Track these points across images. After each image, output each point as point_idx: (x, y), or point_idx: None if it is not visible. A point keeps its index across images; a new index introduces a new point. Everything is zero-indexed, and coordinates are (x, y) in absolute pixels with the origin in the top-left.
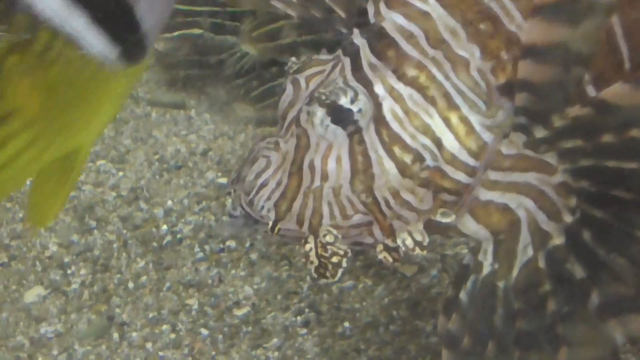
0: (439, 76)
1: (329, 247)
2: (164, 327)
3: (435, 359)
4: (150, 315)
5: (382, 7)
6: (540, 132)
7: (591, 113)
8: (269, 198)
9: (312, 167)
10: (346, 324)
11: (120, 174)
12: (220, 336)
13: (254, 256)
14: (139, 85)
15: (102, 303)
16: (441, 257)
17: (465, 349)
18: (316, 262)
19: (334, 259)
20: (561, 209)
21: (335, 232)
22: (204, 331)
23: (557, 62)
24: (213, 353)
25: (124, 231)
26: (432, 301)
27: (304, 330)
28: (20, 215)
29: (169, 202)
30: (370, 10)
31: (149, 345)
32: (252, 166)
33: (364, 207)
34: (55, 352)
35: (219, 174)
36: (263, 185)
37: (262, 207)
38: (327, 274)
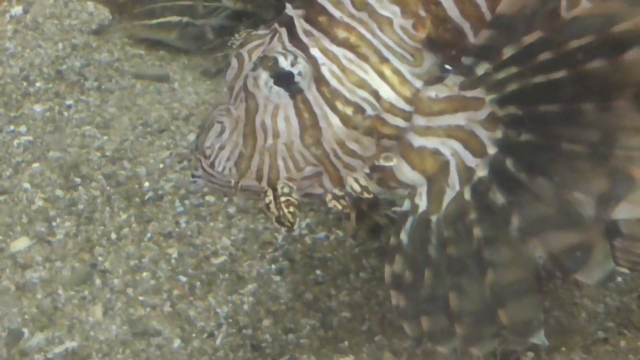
0: (367, 35)
1: (286, 198)
2: (145, 274)
3: None
4: (132, 263)
5: None
6: (482, 69)
7: (544, 35)
8: (228, 159)
9: (264, 127)
10: (318, 272)
11: (105, 137)
12: (198, 283)
13: (232, 210)
14: (125, 60)
15: (85, 252)
16: None
17: (407, 283)
18: (276, 213)
19: (291, 209)
20: (487, 143)
21: (290, 184)
22: (183, 278)
23: None
24: (191, 298)
25: (108, 188)
26: None
27: (278, 278)
28: (8, 172)
29: (152, 162)
30: None
31: (129, 290)
32: (208, 132)
33: (314, 159)
34: (39, 296)
35: None
36: (221, 148)
37: (224, 168)
38: (287, 222)
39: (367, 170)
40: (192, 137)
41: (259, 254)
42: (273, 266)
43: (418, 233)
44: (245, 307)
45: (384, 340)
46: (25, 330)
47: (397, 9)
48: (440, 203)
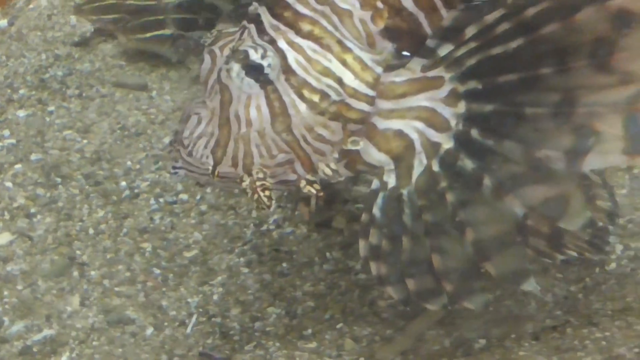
0: (330, 27)
1: (261, 182)
2: (120, 266)
3: (363, 293)
4: (108, 256)
5: None
6: (445, 50)
7: (506, 11)
8: (205, 147)
9: (237, 116)
10: (284, 264)
11: (85, 141)
12: (171, 275)
13: (203, 207)
14: (106, 69)
15: (64, 246)
16: None
17: (385, 251)
18: (255, 197)
19: (267, 192)
20: (450, 118)
21: (264, 169)
22: (157, 270)
23: None
24: (164, 289)
25: (87, 187)
26: None
27: (247, 270)
28: None
29: (129, 163)
30: None
31: (106, 281)
32: (186, 124)
33: (286, 145)
34: (19, 287)
35: None
36: (199, 137)
37: (202, 156)
38: (263, 205)
39: (336, 155)
40: (167, 139)
41: (229, 247)
42: (242, 259)
43: (391, 206)
44: (215, 297)
45: (345, 328)
46: (6, 319)
47: (356, 2)
48: (410, 178)
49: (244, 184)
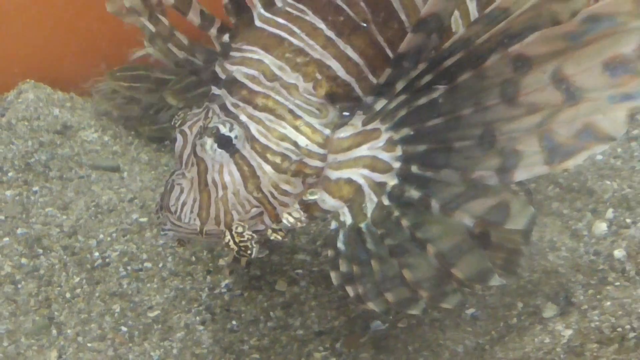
0: (281, 99)
1: (240, 235)
2: (92, 325)
3: (301, 346)
4: (82, 316)
5: (227, 65)
6: (379, 104)
7: (427, 65)
8: (191, 211)
9: (214, 182)
10: (234, 322)
11: (64, 216)
12: (137, 332)
13: (165, 273)
14: (83, 154)
15: (44, 308)
16: (309, 272)
17: (357, 275)
18: (236, 248)
19: (247, 243)
20: (390, 161)
21: (242, 224)
22: (124, 328)
23: (430, 30)
24: (130, 345)
25: (65, 257)
26: (301, 304)
27: (202, 327)
28: None
29: (101, 235)
30: (219, 70)
31: (80, 338)
32: (170, 194)
33: (257, 201)
34: (5, 344)
35: (141, 214)
36: (184, 204)
37: (189, 219)
38: (245, 254)
39: (297, 206)
40: (135, 215)
41: (186, 308)
42: (197, 318)
43: (353, 239)
44: (174, 351)
45: None
46: None
47: (299, 76)
48: (365, 214)
49: (226, 239)
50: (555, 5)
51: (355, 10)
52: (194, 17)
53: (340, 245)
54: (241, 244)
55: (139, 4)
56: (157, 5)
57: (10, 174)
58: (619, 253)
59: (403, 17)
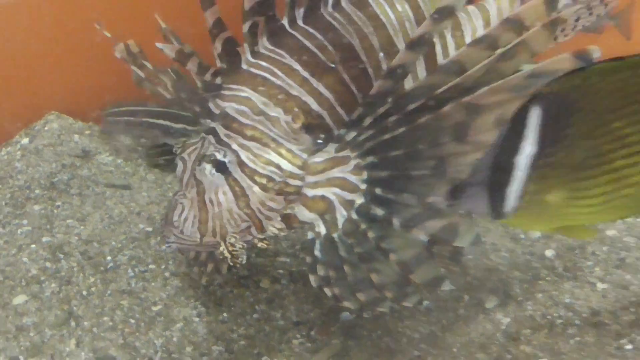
0: (266, 130)
1: (233, 245)
2: (105, 318)
3: (281, 335)
4: (97, 311)
5: (220, 102)
6: (350, 136)
7: (391, 106)
8: (192, 226)
9: (211, 201)
10: (225, 314)
11: (82, 227)
12: (143, 323)
13: (167, 274)
14: (100, 174)
15: (65, 304)
16: (289, 272)
17: (333, 278)
18: (229, 256)
19: (238, 252)
20: (357, 183)
21: (235, 236)
22: (132, 320)
23: (397, 77)
24: (137, 334)
25: (82, 260)
26: (281, 299)
27: (197, 319)
28: (13, 251)
29: (113, 242)
30: (213, 106)
31: (95, 329)
32: (174, 212)
33: (247, 216)
34: (32, 334)
35: (147, 225)
36: (185, 219)
37: (191, 232)
38: (236, 261)
39: (279, 218)
40: (142, 225)
41: (185, 303)
42: (194, 311)
43: (327, 247)
44: (174, 339)
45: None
46: (22, 357)
47: (280, 110)
48: (337, 225)
49: (221, 248)
50: (502, 65)
51: (325, 53)
52: (192, 66)
53: (317, 252)
54: (233, 253)
55: (125, 54)
56: (139, 52)
57: (37, 192)
58: (549, 253)
59: (364, 58)
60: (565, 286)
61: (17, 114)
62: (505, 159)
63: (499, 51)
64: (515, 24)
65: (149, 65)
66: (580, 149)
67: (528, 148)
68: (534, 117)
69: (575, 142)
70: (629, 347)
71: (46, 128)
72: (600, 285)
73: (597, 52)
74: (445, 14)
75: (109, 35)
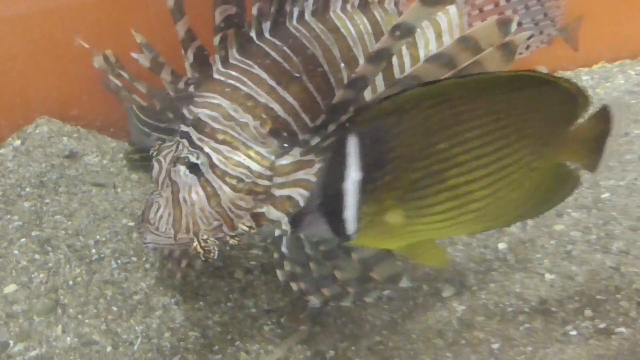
0: (236, 134)
1: (205, 242)
2: (90, 306)
3: (253, 322)
4: (82, 299)
5: (193, 108)
6: (314, 141)
7: (354, 114)
8: (167, 223)
9: (185, 200)
10: (201, 303)
11: (69, 222)
12: (124, 311)
13: (147, 265)
14: (86, 174)
15: (52, 293)
16: (261, 264)
17: (299, 274)
18: (202, 252)
19: (210, 248)
20: None
21: (207, 232)
22: (114, 308)
23: (358, 88)
24: (119, 321)
25: (69, 253)
26: (254, 288)
27: (176, 307)
28: (4, 244)
29: (98, 236)
30: (186, 112)
31: (80, 316)
32: (150, 210)
33: (218, 215)
34: (21, 321)
35: (130, 220)
36: (160, 217)
37: (165, 229)
38: (209, 256)
39: (249, 217)
40: (125, 221)
41: (164, 292)
42: (172, 300)
43: (293, 244)
44: (154, 325)
45: (241, 345)
46: (11, 342)
47: (249, 116)
48: None
49: (194, 245)
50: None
51: (290, 63)
52: (165, 75)
53: (284, 249)
54: (206, 249)
55: (103, 63)
56: (115, 62)
57: (27, 189)
58: (502, 246)
59: (326, 68)
60: (516, 277)
61: (10, 118)
62: (333, 187)
63: (454, 71)
64: (470, 44)
65: (125, 74)
66: (412, 170)
67: (353, 174)
68: (352, 145)
69: (404, 165)
70: (574, 332)
71: (37, 131)
72: (548, 276)
73: (514, 23)
74: (404, 32)
75: (87, 46)
